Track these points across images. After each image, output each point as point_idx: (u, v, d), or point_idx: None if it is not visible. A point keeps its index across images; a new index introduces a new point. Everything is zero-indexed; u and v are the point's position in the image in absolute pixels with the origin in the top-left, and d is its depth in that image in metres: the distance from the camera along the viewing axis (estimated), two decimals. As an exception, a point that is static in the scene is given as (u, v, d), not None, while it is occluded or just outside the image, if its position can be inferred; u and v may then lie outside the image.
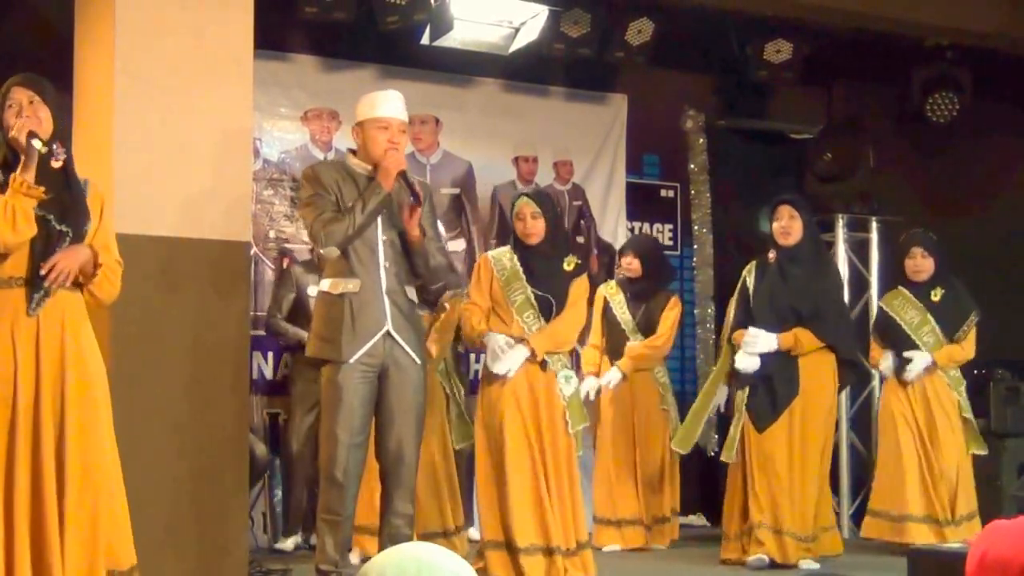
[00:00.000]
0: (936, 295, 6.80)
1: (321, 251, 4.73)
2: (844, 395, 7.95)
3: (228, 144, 5.20)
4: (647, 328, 7.06)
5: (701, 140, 8.61)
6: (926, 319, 6.76)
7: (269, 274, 7.14)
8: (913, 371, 6.70)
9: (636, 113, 8.47)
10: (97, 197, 4.20)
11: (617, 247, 7.83)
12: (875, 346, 6.97)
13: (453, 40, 7.23)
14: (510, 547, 5.35)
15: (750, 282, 6.25)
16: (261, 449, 6.42)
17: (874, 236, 8.13)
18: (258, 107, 6.43)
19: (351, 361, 4.72)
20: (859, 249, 8.19)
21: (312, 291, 6.63)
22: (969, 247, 7.55)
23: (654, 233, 8.63)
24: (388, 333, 4.78)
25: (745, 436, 6.12)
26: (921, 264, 6.82)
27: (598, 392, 7.02)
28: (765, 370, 6.08)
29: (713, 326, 8.21)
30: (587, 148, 8.37)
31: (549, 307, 5.50)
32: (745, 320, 6.18)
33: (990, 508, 6.72)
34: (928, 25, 7.64)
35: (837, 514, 7.78)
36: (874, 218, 8.17)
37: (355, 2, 6.88)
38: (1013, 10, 7.59)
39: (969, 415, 6.78)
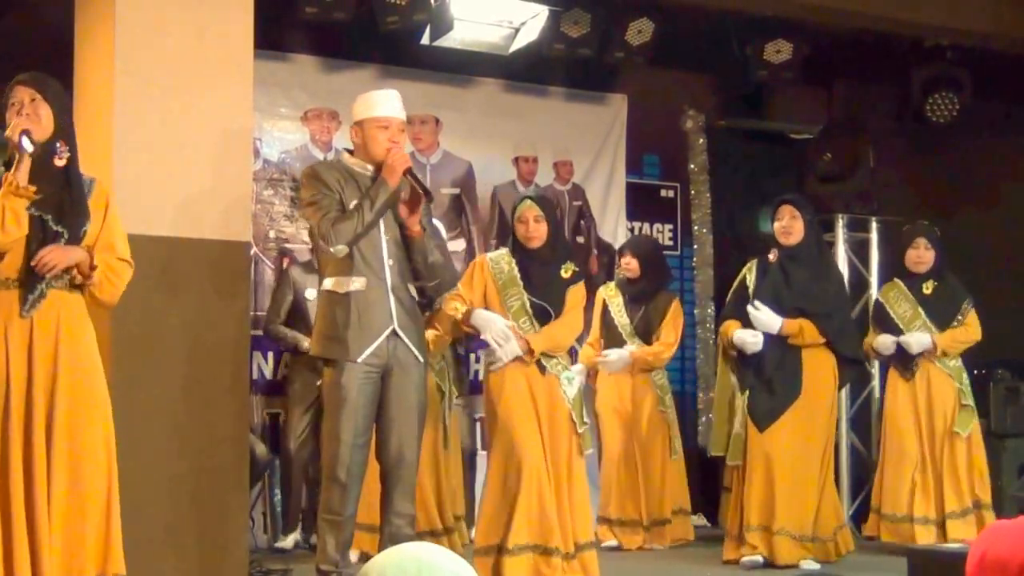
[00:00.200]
0: (928, 288, 6.81)
1: (331, 249, 4.70)
2: (844, 395, 7.95)
3: (228, 144, 5.20)
4: (645, 332, 7.05)
5: (701, 140, 8.62)
6: (917, 313, 6.78)
7: (269, 274, 7.14)
8: (914, 342, 6.68)
9: (636, 113, 8.47)
10: (102, 197, 4.16)
11: (617, 247, 7.83)
12: (871, 335, 6.96)
13: (453, 40, 7.23)
14: (500, 549, 5.31)
15: (750, 280, 6.25)
16: (261, 449, 6.42)
17: (874, 236, 8.13)
18: (258, 107, 6.43)
19: (359, 361, 4.72)
20: (859, 249, 8.19)
21: (310, 293, 6.65)
22: (969, 247, 7.55)
23: (654, 233, 8.63)
24: (394, 331, 4.78)
25: (746, 437, 6.12)
26: (924, 255, 6.83)
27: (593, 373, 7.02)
28: (767, 371, 6.08)
29: (713, 326, 8.20)
30: (587, 148, 8.37)
31: (544, 315, 5.47)
32: (738, 314, 6.18)
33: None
34: (928, 25, 7.63)
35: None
36: (874, 218, 8.17)
37: (355, 2, 6.88)
38: (1013, 10, 7.59)
39: (969, 401, 6.77)
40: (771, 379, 6.08)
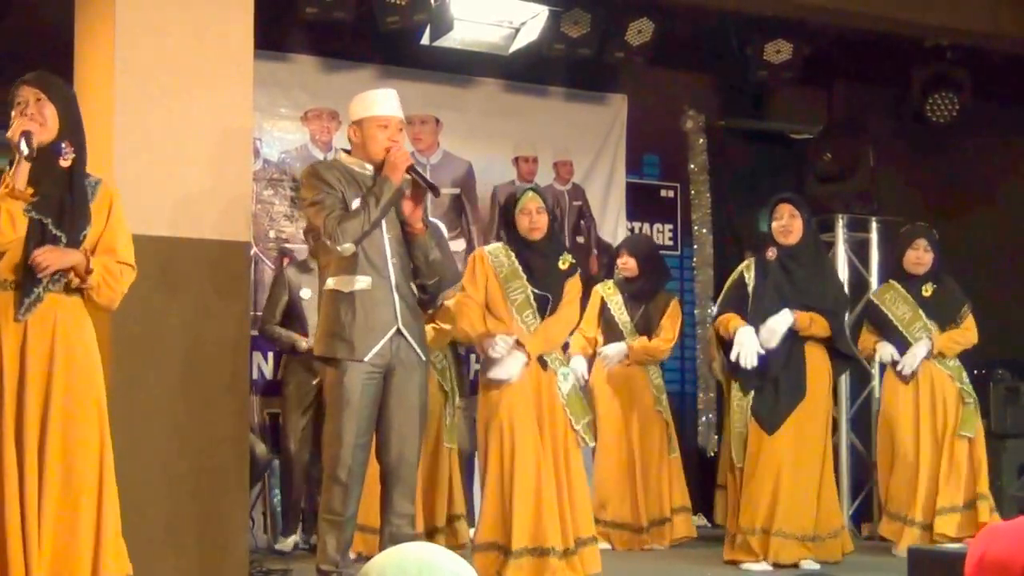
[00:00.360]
0: (927, 290, 6.81)
1: (338, 248, 4.68)
2: (844, 395, 7.97)
3: (228, 144, 5.20)
4: (646, 329, 7.06)
5: (701, 140, 8.62)
6: (917, 315, 6.78)
7: (269, 274, 7.14)
8: (908, 364, 6.69)
9: (636, 113, 8.47)
10: (106, 198, 4.10)
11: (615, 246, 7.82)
12: (867, 336, 6.94)
13: (453, 40, 7.23)
14: (504, 549, 5.31)
15: (748, 278, 6.24)
16: (261, 449, 6.42)
17: (874, 236, 8.13)
18: (258, 107, 6.43)
19: (365, 360, 4.71)
20: (859, 249, 8.18)
21: (306, 293, 6.64)
22: (969, 247, 7.57)
23: (654, 233, 8.63)
24: (398, 330, 4.78)
25: (747, 437, 6.12)
26: (923, 257, 6.83)
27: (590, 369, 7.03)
28: (774, 370, 6.08)
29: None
30: (587, 148, 8.37)
31: (548, 307, 5.50)
32: (737, 310, 6.17)
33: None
34: (928, 25, 7.64)
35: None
36: (874, 218, 8.16)
37: (355, 2, 6.88)
38: (1013, 10, 7.59)
39: (972, 400, 6.77)
40: (777, 380, 6.08)
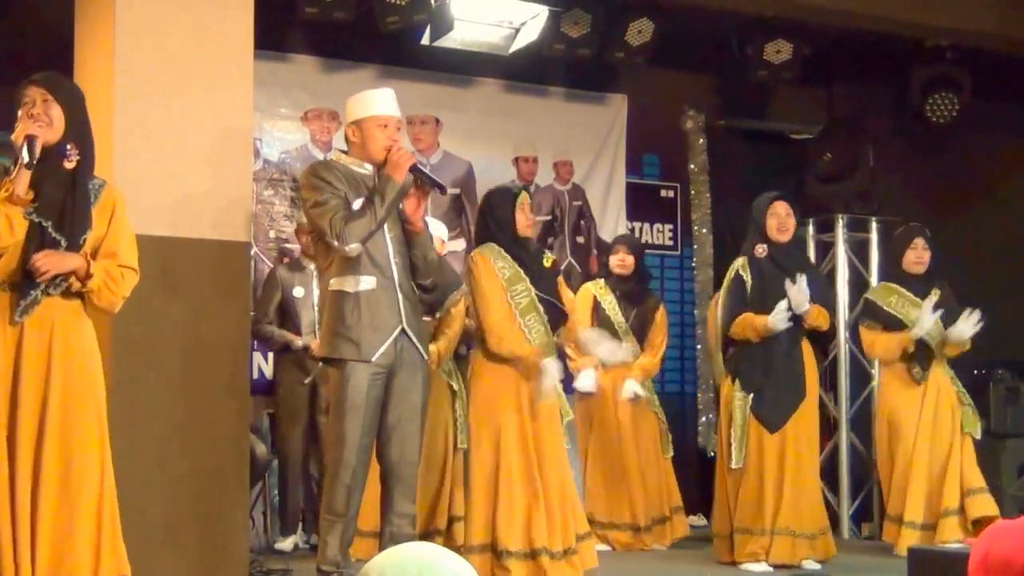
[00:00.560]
0: (936, 295, 6.79)
1: (346, 248, 4.67)
2: (844, 395, 7.97)
3: (228, 144, 5.20)
4: (640, 331, 7.05)
5: (701, 140, 8.62)
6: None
7: (269, 274, 7.14)
8: (924, 325, 6.64)
9: (636, 113, 8.47)
10: (110, 201, 4.06)
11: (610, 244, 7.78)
12: (872, 333, 6.86)
13: (453, 40, 7.23)
14: (495, 550, 5.29)
15: (746, 277, 6.21)
16: (262, 449, 6.41)
17: (874, 236, 8.12)
18: (258, 107, 6.43)
19: (372, 360, 4.71)
20: (859, 249, 8.18)
21: (298, 292, 6.64)
22: (968, 247, 7.57)
23: (654, 233, 8.64)
24: (402, 330, 4.78)
25: (746, 437, 6.11)
26: (923, 256, 6.82)
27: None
28: (776, 369, 6.08)
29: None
30: (587, 148, 8.38)
31: (552, 310, 5.45)
32: (748, 309, 6.15)
33: (990, 508, 6.73)
34: (928, 25, 7.64)
35: (836, 514, 7.80)
36: (874, 218, 8.16)
37: (355, 2, 6.88)
38: (1013, 11, 7.60)
39: (969, 402, 6.78)
40: (779, 379, 6.07)
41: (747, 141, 8.87)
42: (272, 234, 7.28)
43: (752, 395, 6.08)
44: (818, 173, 8.33)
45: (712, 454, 8.03)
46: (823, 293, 6.36)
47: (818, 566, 6.01)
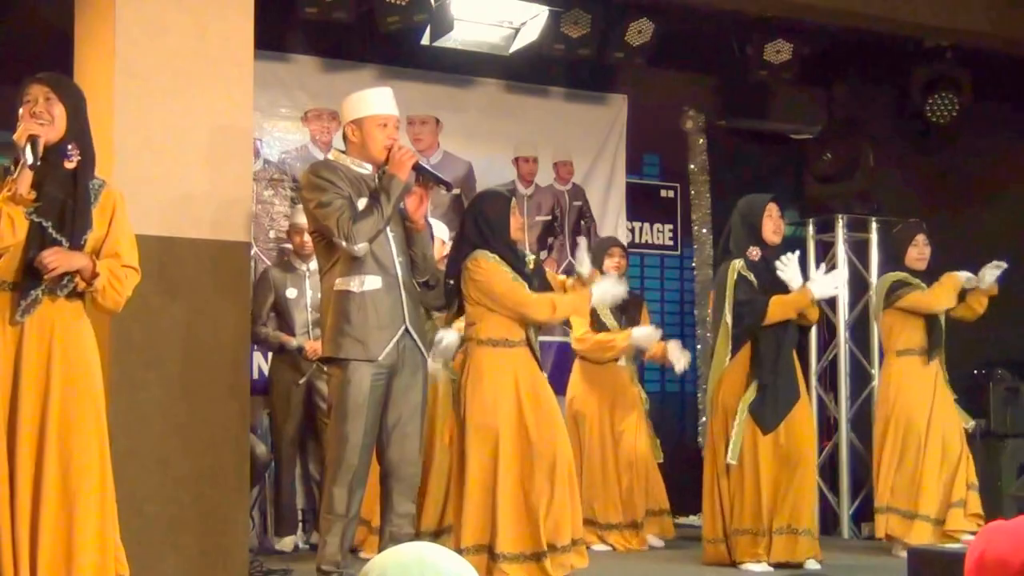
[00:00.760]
0: None
1: (354, 248, 4.67)
2: (844, 395, 7.98)
3: (228, 144, 5.21)
4: None
5: (701, 140, 8.62)
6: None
7: (269, 274, 7.13)
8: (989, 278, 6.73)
9: (636, 113, 8.48)
10: (110, 201, 4.06)
11: (607, 246, 7.73)
12: (900, 317, 6.78)
13: (453, 41, 7.23)
14: (492, 553, 5.27)
15: (751, 277, 6.19)
16: (261, 449, 6.41)
17: (874, 236, 8.13)
18: (258, 107, 6.43)
19: (379, 360, 4.72)
20: (859, 249, 8.19)
21: (291, 293, 6.63)
22: (968, 247, 7.55)
23: (654, 233, 8.64)
24: (406, 329, 4.79)
25: (744, 439, 6.11)
26: (924, 252, 6.83)
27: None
28: (780, 365, 6.09)
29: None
30: (587, 148, 8.38)
31: None
32: (771, 294, 6.15)
33: (990, 508, 6.71)
34: (928, 26, 7.64)
35: (836, 514, 7.80)
36: (874, 218, 8.16)
37: (355, 2, 6.88)
38: (1012, 11, 7.60)
39: (954, 394, 6.81)
40: (778, 381, 6.06)
41: (747, 141, 8.87)
42: (272, 234, 7.28)
43: (758, 393, 6.06)
44: (818, 173, 8.34)
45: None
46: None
47: (818, 566, 6.01)
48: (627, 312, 7.05)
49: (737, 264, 6.14)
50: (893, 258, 7.04)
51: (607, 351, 6.91)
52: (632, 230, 8.49)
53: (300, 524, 6.76)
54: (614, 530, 6.87)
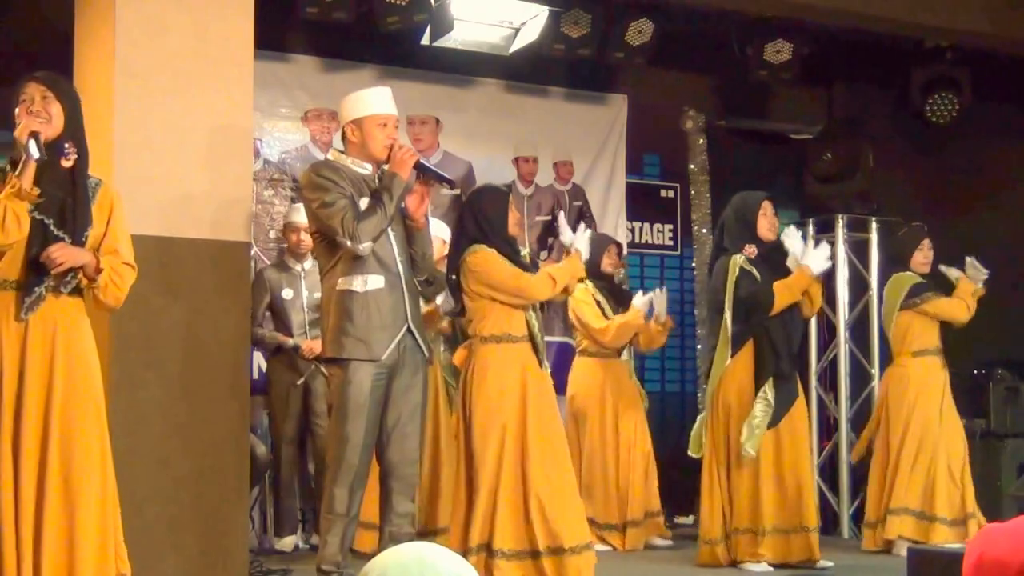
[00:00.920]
0: None
1: (359, 247, 4.66)
2: (844, 395, 7.97)
3: (228, 144, 5.21)
4: None
5: (701, 140, 8.62)
6: None
7: (269, 274, 7.13)
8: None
9: (636, 113, 8.48)
10: (107, 199, 4.10)
11: (607, 244, 7.73)
12: (939, 299, 6.82)
13: (453, 41, 7.24)
14: (490, 551, 5.26)
15: (753, 271, 6.19)
16: (262, 449, 6.41)
17: (874, 236, 8.12)
18: (258, 107, 6.43)
19: (382, 359, 4.72)
20: (859, 249, 8.18)
21: (287, 294, 6.62)
22: (968, 247, 7.55)
23: (654, 233, 8.64)
24: (408, 329, 4.79)
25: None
26: (929, 256, 6.87)
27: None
28: (790, 366, 6.12)
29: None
30: (587, 148, 8.38)
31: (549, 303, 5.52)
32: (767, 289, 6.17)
33: (990, 508, 6.71)
34: (928, 26, 7.64)
35: (836, 514, 7.80)
36: (874, 218, 8.16)
37: (355, 2, 6.88)
38: (1012, 11, 7.60)
39: None
40: (784, 376, 6.09)
41: (747, 141, 8.88)
42: (272, 234, 7.28)
43: (776, 385, 6.06)
44: (818, 173, 8.34)
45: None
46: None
47: (831, 564, 6.00)
48: (623, 305, 7.07)
49: (738, 259, 6.13)
50: (897, 260, 7.04)
51: (630, 329, 6.93)
52: (632, 230, 8.49)
53: (300, 524, 6.76)
54: (614, 530, 6.87)
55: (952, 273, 6.89)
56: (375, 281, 4.75)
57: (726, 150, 8.68)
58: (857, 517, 7.84)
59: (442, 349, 6.51)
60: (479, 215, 5.41)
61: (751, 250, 6.15)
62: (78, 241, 3.97)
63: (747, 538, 6.02)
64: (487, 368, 5.35)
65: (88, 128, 4.20)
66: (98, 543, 3.92)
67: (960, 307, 6.77)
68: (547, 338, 7.11)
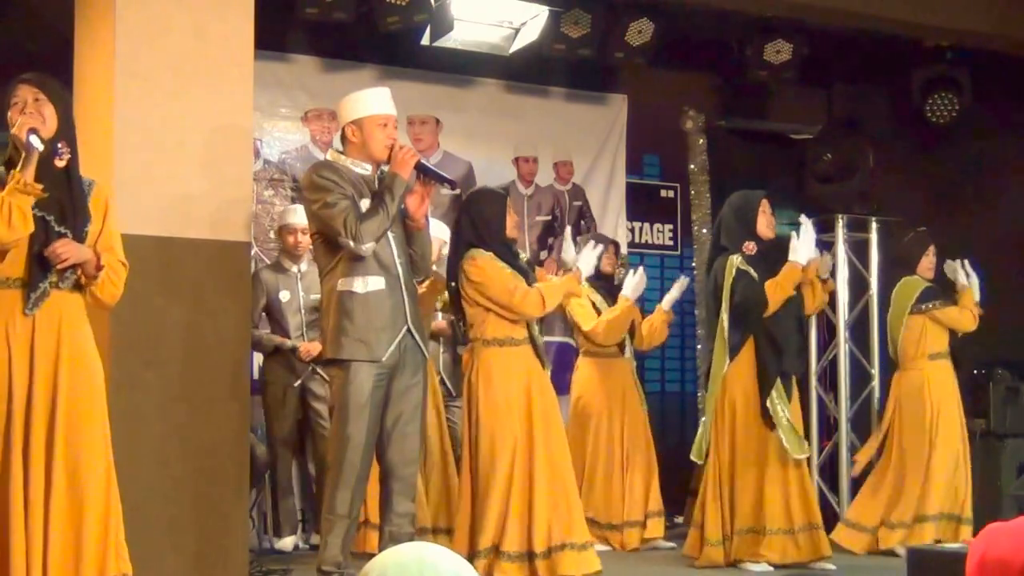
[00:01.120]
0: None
1: (362, 248, 4.67)
2: (844, 395, 7.97)
3: (228, 144, 5.20)
4: (631, 328, 7.08)
5: (701, 140, 8.62)
6: None
7: (269, 274, 7.12)
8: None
9: (636, 113, 8.48)
10: (101, 198, 4.15)
11: (605, 244, 7.71)
12: (947, 307, 6.87)
13: (453, 41, 7.24)
14: (497, 552, 5.25)
15: (751, 271, 6.20)
16: (261, 449, 6.41)
17: (874, 236, 8.11)
18: (258, 107, 6.43)
19: (383, 360, 4.72)
20: (859, 249, 8.18)
21: (284, 295, 6.61)
22: (968, 247, 7.55)
23: (654, 233, 8.63)
24: (408, 330, 4.79)
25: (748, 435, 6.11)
26: (934, 262, 6.93)
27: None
28: (798, 363, 6.15)
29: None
30: (587, 148, 8.38)
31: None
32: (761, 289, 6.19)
33: (990, 508, 6.71)
34: (928, 26, 7.64)
35: (836, 514, 7.79)
36: (874, 218, 8.15)
37: (355, 2, 6.88)
38: (1013, 11, 7.60)
39: None
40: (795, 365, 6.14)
41: (747, 141, 8.87)
42: (272, 234, 7.27)
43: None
44: (818, 173, 8.33)
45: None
46: None
47: (833, 567, 6.00)
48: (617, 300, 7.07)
49: (735, 259, 6.13)
50: (902, 264, 7.05)
51: (622, 324, 6.89)
52: (632, 230, 8.49)
53: (300, 524, 6.75)
54: (614, 530, 6.87)
55: (956, 272, 6.90)
56: (375, 282, 4.75)
57: (726, 150, 8.68)
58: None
59: (441, 351, 6.53)
60: (477, 219, 5.42)
61: (751, 247, 6.15)
62: (79, 237, 4.02)
63: (749, 538, 6.02)
64: (491, 374, 5.37)
65: (88, 128, 4.22)
66: (102, 543, 3.94)
67: (968, 318, 6.86)
68: (548, 338, 7.16)
